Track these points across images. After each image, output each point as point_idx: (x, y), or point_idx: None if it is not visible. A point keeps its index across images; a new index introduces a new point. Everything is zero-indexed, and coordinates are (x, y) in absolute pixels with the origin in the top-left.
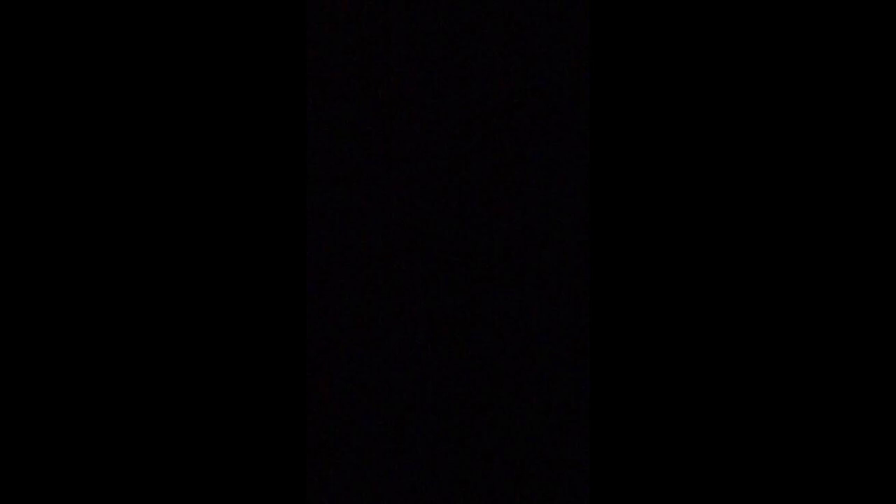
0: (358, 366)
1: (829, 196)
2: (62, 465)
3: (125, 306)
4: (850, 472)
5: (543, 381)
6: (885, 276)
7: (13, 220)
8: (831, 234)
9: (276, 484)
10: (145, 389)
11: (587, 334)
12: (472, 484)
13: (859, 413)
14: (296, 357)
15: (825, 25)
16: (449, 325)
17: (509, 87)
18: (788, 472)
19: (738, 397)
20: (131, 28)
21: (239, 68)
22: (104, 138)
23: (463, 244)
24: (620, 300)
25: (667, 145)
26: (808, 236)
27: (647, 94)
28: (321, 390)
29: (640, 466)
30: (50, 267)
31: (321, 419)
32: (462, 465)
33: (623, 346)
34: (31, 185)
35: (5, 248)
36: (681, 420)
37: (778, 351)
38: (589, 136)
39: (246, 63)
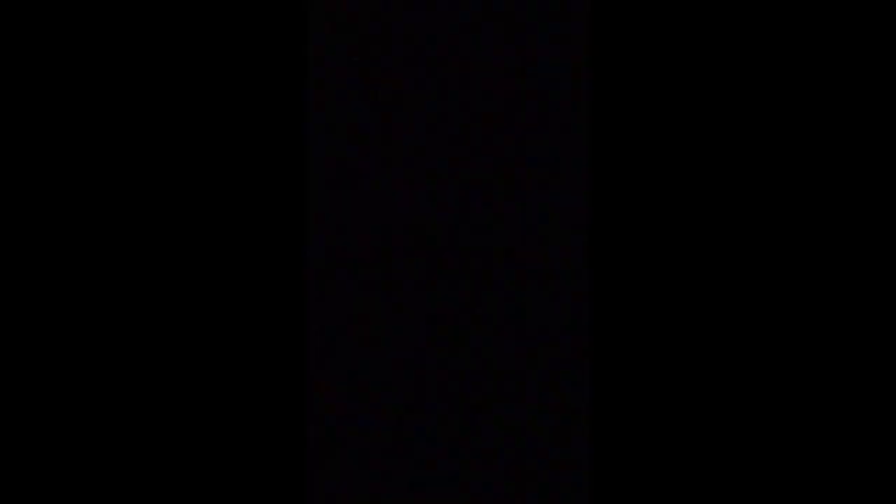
0: (358, 366)
1: (830, 196)
2: (62, 465)
3: (126, 306)
4: (850, 472)
5: (544, 381)
6: (886, 277)
7: (14, 220)
8: (831, 235)
9: (276, 484)
10: (146, 389)
11: (588, 334)
12: (472, 484)
13: (859, 413)
14: (296, 357)
15: (825, 25)
16: (449, 325)
17: (509, 87)
18: (788, 472)
19: (739, 397)
20: (131, 28)
21: (239, 68)
22: (104, 139)
23: (462, 244)
24: (621, 300)
25: (666, 145)
26: (808, 236)
27: (648, 94)
28: (321, 390)
29: (641, 466)
30: (50, 267)
31: (321, 419)
32: (462, 465)
33: (624, 346)
34: (31, 186)
35: (5, 249)
36: (681, 420)
37: (778, 351)
38: (589, 136)
39: (246, 63)
